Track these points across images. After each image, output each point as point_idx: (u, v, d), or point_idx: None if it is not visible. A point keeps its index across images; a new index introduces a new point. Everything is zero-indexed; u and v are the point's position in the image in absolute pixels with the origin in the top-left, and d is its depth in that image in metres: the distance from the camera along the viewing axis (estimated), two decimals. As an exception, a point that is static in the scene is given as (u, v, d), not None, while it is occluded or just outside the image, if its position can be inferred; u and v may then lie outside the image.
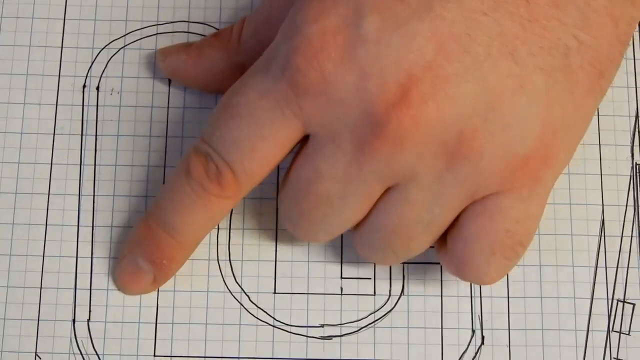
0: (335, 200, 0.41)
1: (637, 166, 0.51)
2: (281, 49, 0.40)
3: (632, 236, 0.50)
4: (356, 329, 0.49)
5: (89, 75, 0.52)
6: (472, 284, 0.49)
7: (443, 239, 0.42)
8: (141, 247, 0.47)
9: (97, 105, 0.51)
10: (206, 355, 0.48)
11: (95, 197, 0.50)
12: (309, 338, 0.49)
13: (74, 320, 0.49)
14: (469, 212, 0.40)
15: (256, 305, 0.49)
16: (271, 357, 0.48)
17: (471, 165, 0.38)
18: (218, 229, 0.50)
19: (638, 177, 0.51)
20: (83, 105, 0.51)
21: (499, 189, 0.39)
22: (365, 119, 0.38)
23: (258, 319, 0.49)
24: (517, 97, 0.38)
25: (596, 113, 0.51)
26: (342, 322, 0.49)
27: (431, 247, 0.44)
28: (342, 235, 0.49)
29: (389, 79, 0.37)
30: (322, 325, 0.49)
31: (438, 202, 0.40)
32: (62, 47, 0.52)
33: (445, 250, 0.42)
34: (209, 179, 0.42)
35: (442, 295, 0.49)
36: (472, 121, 0.37)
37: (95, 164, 0.51)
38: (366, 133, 0.38)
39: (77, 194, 0.50)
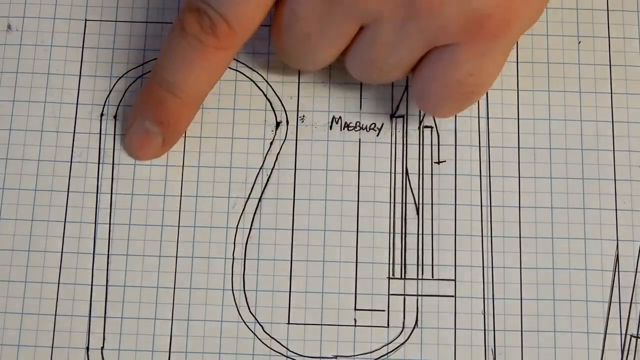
0: (315, 37, 0.44)
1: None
2: None
3: (646, 272, 0.49)
4: (370, 361, 0.48)
5: (106, 103, 0.52)
6: (485, 319, 0.49)
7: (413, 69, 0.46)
8: (147, 110, 0.48)
9: (115, 134, 0.51)
10: (219, 385, 0.48)
11: (111, 225, 0.50)
12: (322, 369, 0.48)
13: (87, 348, 0.48)
14: (429, 57, 0.44)
15: (270, 336, 0.48)
16: (284, 387, 0.48)
17: (431, 17, 0.41)
18: (233, 258, 0.49)
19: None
20: (100, 134, 0.51)
21: (457, 41, 0.42)
22: None
23: (271, 349, 0.48)
24: None
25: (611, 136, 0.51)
26: (355, 354, 0.48)
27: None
28: (356, 266, 0.49)
29: None
30: (336, 357, 0.48)
31: (402, 44, 0.43)
32: (80, 75, 0.52)
33: (413, 83, 0.46)
34: (204, 32, 0.44)
35: (455, 328, 0.49)
36: None
37: (112, 192, 0.50)
38: None
39: (94, 222, 0.50)
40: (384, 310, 0.49)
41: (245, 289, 0.49)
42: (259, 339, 0.48)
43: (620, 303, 0.49)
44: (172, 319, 0.48)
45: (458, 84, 0.44)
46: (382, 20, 0.42)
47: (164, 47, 0.47)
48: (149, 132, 0.48)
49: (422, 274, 0.49)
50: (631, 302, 0.49)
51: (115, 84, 0.52)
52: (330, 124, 0.51)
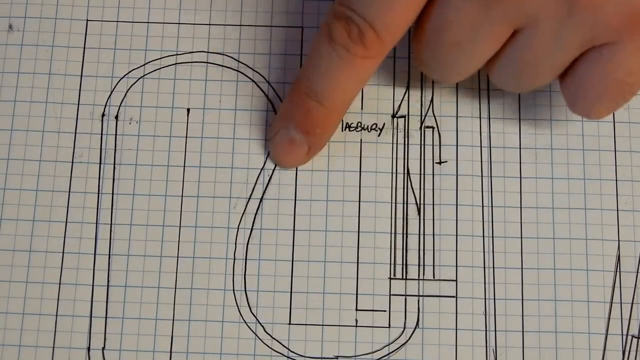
0: (465, 44, 0.42)
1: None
2: None
3: (647, 272, 0.49)
4: (371, 361, 0.48)
5: (108, 104, 0.51)
6: (487, 319, 0.48)
7: (564, 71, 0.44)
8: (293, 119, 0.47)
9: (116, 134, 0.51)
10: (220, 386, 0.47)
11: (113, 225, 0.49)
12: (323, 370, 0.48)
13: (88, 348, 0.48)
14: (586, 57, 0.42)
15: (271, 336, 0.48)
16: (285, 388, 0.47)
17: (591, 14, 0.39)
18: (234, 259, 0.49)
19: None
20: (102, 134, 0.51)
21: (616, 39, 0.40)
22: None
23: (272, 349, 0.48)
24: None
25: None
26: (357, 354, 0.48)
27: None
28: (357, 266, 0.49)
29: None
30: (337, 357, 0.48)
31: (559, 46, 0.41)
32: (81, 75, 0.52)
33: (563, 85, 0.44)
34: (352, 40, 0.43)
35: (456, 329, 0.48)
36: None
37: (113, 193, 0.50)
38: None
39: (95, 222, 0.49)
40: (385, 311, 0.48)
41: (247, 289, 0.49)
42: (260, 340, 0.48)
43: (621, 303, 0.48)
44: (173, 319, 0.48)
45: (616, 83, 0.42)
46: (539, 21, 0.40)
47: (310, 55, 0.46)
48: (294, 141, 0.48)
49: (424, 274, 0.49)
50: (632, 303, 0.49)
51: (116, 84, 0.51)
52: None
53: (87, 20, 0.52)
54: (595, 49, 0.41)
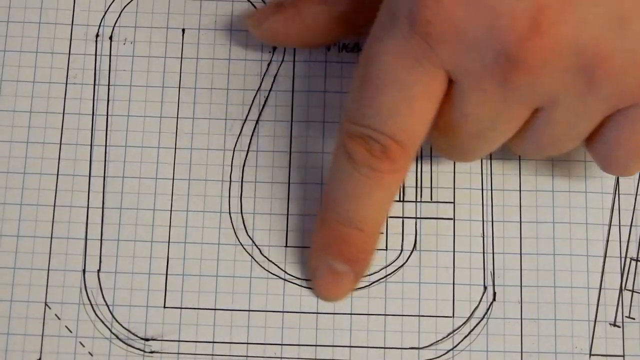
0: (485, 132, 0.41)
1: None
2: (401, 2, 0.38)
3: (646, 194, 0.48)
4: (367, 284, 0.47)
5: (102, 24, 0.50)
6: (484, 241, 0.47)
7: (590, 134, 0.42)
8: (332, 251, 0.45)
9: (110, 55, 0.50)
10: (216, 308, 0.47)
11: (107, 147, 0.48)
12: (319, 292, 0.47)
13: (84, 271, 0.47)
14: (612, 120, 0.40)
15: (267, 259, 0.47)
16: (281, 310, 0.47)
17: (612, 83, 0.37)
18: (230, 181, 0.48)
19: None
20: (96, 55, 0.50)
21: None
22: (501, 56, 0.36)
23: (269, 272, 0.47)
24: None
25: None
26: (354, 277, 0.47)
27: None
28: None
29: (518, 14, 0.35)
30: (334, 280, 0.47)
31: (582, 118, 0.39)
32: (75, -4, 0.50)
33: (591, 148, 0.42)
34: (376, 158, 0.40)
35: (454, 251, 0.47)
36: (607, 40, 0.36)
37: (107, 114, 0.49)
38: (505, 70, 0.37)
39: (89, 144, 0.48)
40: (382, 233, 0.47)
41: (243, 211, 0.48)
42: (257, 262, 0.47)
43: (620, 226, 0.48)
44: (169, 242, 0.47)
45: None
46: (559, 99, 0.38)
47: (333, 183, 0.43)
48: (339, 273, 0.45)
49: (421, 196, 0.48)
50: (631, 225, 0.48)
51: (111, 4, 0.50)
52: (328, 45, 0.49)
53: (80, -62, 0.51)
54: (620, 112, 0.39)
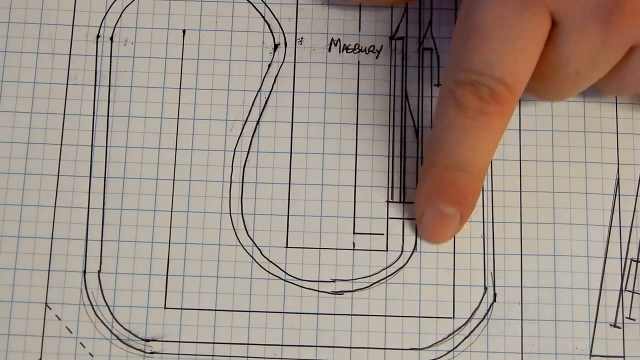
0: (584, 71, 0.41)
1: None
2: None
3: (647, 195, 0.48)
4: (368, 285, 0.47)
5: (102, 25, 0.50)
6: (485, 242, 0.47)
7: None
8: (440, 194, 0.45)
9: (111, 56, 0.49)
10: (217, 309, 0.47)
11: (108, 148, 0.48)
12: (320, 293, 0.47)
13: (84, 271, 0.47)
14: None
15: (268, 259, 0.47)
16: (282, 311, 0.47)
17: None
18: (231, 182, 0.48)
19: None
20: (97, 56, 0.49)
21: None
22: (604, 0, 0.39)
23: (269, 272, 0.47)
24: None
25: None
26: (354, 278, 0.47)
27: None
28: (354, 190, 0.48)
29: None
30: (334, 280, 0.47)
31: None
32: (76, -3, 0.50)
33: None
34: (485, 102, 0.41)
35: (454, 252, 0.47)
36: None
37: (108, 115, 0.49)
38: (610, 11, 0.38)
39: (90, 145, 0.48)
40: (382, 234, 0.47)
41: (243, 212, 0.47)
42: (257, 263, 0.47)
43: (620, 227, 0.47)
44: (169, 243, 0.47)
45: None
46: None
47: (440, 129, 0.44)
48: (446, 216, 0.46)
49: (422, 197, 0.47)
50: (632, 226, 0.47)
51: (111, 5, 0.50)
52: (328, 46, 0.49)
53: (81, -61, 0.51)
54: None
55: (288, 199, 0.48)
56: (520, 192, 0.47)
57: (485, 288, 0.47)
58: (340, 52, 0.49)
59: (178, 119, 0.48)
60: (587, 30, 0.39)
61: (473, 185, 0.45)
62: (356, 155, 0.48)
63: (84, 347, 0.46)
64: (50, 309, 0.46)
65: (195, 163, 0.48)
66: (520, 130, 0.48)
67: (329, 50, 0.49)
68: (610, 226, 0.47)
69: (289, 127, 0.48)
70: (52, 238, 0.47)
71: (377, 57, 0.49)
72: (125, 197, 0.47)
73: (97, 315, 0.46)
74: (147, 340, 0.46)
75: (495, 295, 0.47)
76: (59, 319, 0.46)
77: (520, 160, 0.48)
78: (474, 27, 0.41)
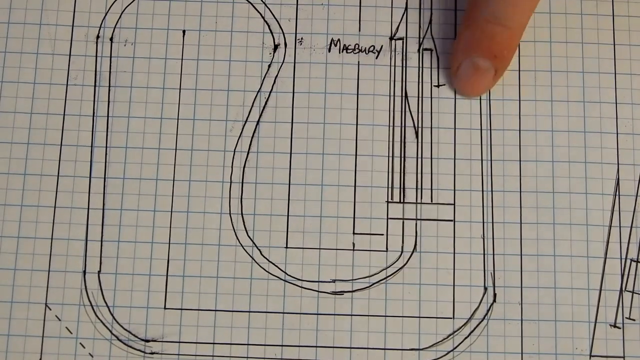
0: None
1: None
2: None
3: (646, 196, 0.48)
4: (368, 285, 0.47)
5: (102, 26, 0.50)
6: (485, 243, 0.47)
7: None
8: (477, 47, 0.47)
9: (111, 57, 0.49)
10: (217, 309, 0.46)
11: (108, 149, 0.48)
12: (320, 293, 0.47)
13: (84, 272, 0.47)
14: None
15: (267, 260, 0.47)
16: (282, 311, 0.46)
17: None
18: (231, 182, 0.48)
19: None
20: (96, 56, 0.49)
21: None
22: None
23: (269, 273, 0.47)
24: None
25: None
26: (354, 278, 0.47)
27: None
28: (354, 189, 0.48)
29: None
30: (334, 281, 0.47)
31: None
32: (75, -2, 0.50)
33: None
34: None
35: (454, 253, 0.47)
36: None
37: (108, 116, 0.48)
38: None
39: (90, 145, 0.48)
40: (382, 235, 0.47)
41: (243, 212, 0.47)
42: (257, 263, 0.47)
43: (620, 227, 0.47)
44: (169, 243, 0.47)
45: None
46: None
47: None
48: (481, 68, 0.47)
49: (421, 198, 0.48)
50: (631, 226, 0.47)
51: (111, 5, 0.50)
52: (328, 46, 0.49)
53: (81, -60, 0.51)
54: None
55: (288, 199, 0.48)
56: (520, 192, 0.47)
57: (485, 288, 0.46)
58: (340, 53, 0.49)
59: (178, 119, 0.48)
60: None
61: (511, 41, 0.47)
62: (356, 155, 0.48)
63: (84, 347, 0.46)
64: (50, 309, 0.46)
65: (195, 163, 0.48)
66: (520, 130, 0.48)
67: (329, 51, 0.49)
68: (610, 226, 0.47)
69: (289, 128, 0.48)
70: (52, 238, 0.47)
71: (377, 58, 0.49)
72: (125, 197, 0.47)
73: (97, 316, 0.46)
74: (147, 341, 0.46)
75: (495, 295, 0.46)
76: (59, 320, 0.46)
77: (520, 161, 0.48)
78: None
